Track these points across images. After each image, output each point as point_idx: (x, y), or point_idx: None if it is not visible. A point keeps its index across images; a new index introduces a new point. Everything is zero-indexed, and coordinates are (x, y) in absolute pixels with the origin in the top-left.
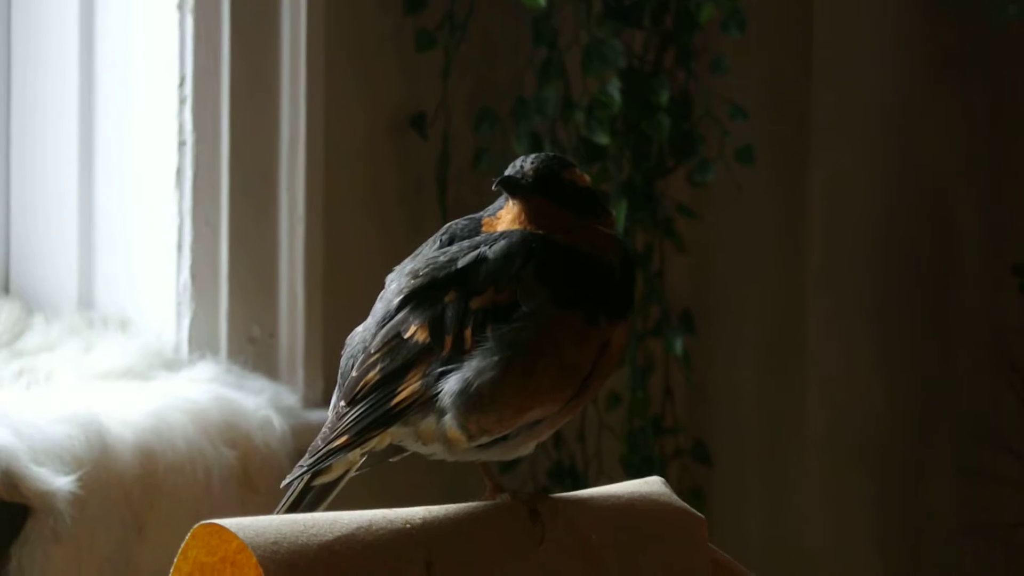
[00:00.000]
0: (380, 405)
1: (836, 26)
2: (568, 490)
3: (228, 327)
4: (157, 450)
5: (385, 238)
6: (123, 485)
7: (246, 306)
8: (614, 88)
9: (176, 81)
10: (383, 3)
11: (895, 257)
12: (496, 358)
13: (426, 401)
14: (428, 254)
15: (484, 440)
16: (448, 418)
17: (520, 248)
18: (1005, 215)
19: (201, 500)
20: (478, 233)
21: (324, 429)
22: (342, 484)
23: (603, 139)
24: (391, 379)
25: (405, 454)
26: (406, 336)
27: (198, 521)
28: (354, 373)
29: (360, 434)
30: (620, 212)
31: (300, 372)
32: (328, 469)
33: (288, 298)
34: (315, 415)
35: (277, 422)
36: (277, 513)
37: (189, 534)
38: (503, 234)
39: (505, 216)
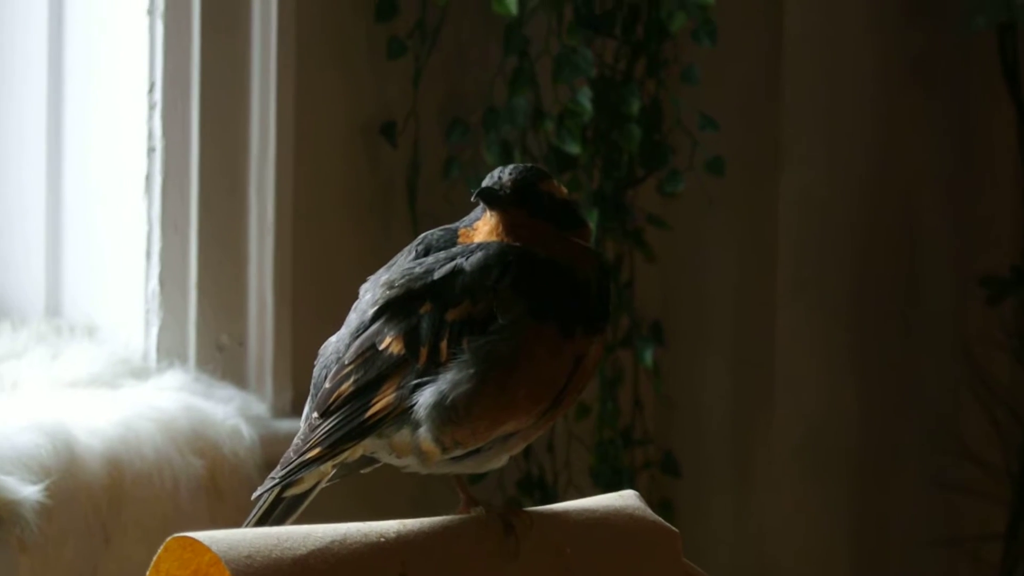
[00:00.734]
0: (354, 417)
1: (807, 37)
2: (537, 501)
3: (197, 335)
4: (125, 459)
5: (355, 246)
6: (90, 494)
7: (215, 314)
8: (585, 97)
9: (146, 87)
10: (354, 10)
11: (864, 268)
12: (472, 371)
13: (400, 413)
14: (404, 265)
15: (458, 453)
16: (422, 431)
17: (497, 260)
18: (973, 226)
19: (169, 510)
20: (454, 244)
21: (296, 440)
22: (313, 495)
23: (573, 148)
24: (365, 391)
25: (377, 465)
26: (381, 347)
27: (166, 530)
28: (327, 384)
29: (333, 446)
30: (591, 222)
31: (269, 381)
32: (300, 481)
33: (257, 306)
34: (284, 424)
35: (246, 431)
36: (248, 525)
37: (162, 547)
38: (480, 245)
39: (482, 227)
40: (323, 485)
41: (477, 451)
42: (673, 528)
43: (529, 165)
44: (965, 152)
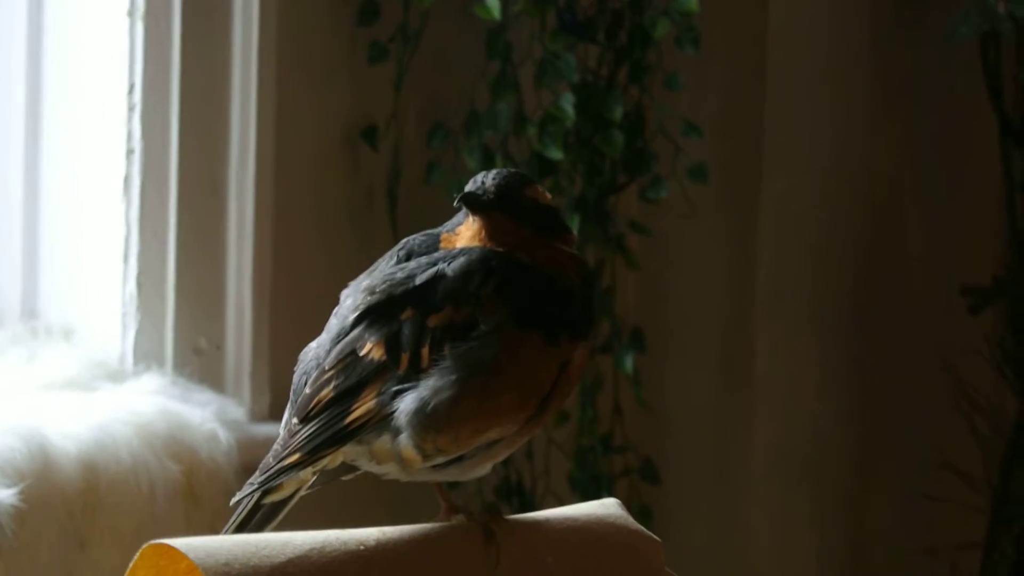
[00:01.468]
0: (334, 423)
1: (789, 45)
2: (516, 508)
3: (174, 338)
4: (100, 463)
5: (334, 250)
6: (65, 499)
7: (193, 317)
8: (567, 102)
9: (125, 88)
10: (336, 14)
11: (845, 276)
12: (453, 377)
13: (381, 420)
14: (385, 270)
15: (439, 460)
16: (403, 437)
17: (480, 265)
18: (953, 236)
19: (145, 514)
20: (436, 249)
21: (276, 446)
22: (292, 502)
23: (555, 154)
24: (345, 397)
25: (357, 473)
26: (361, 353)
27: (141, 535)
28: (307, 390)
29: (313, 452)
30: (572, 227)
31: (247, 385)
32: (279, 487)
33: (235, 310)
34: (262, 429)
35: (223, 436)
36: (226, 531)
37: (137, 554)
38: (462, 251)
39: (465, 232)
40: (303, 492)
41: (460, 459)
42: (656, 537)
43: (512, 170)
44: (947, 162)
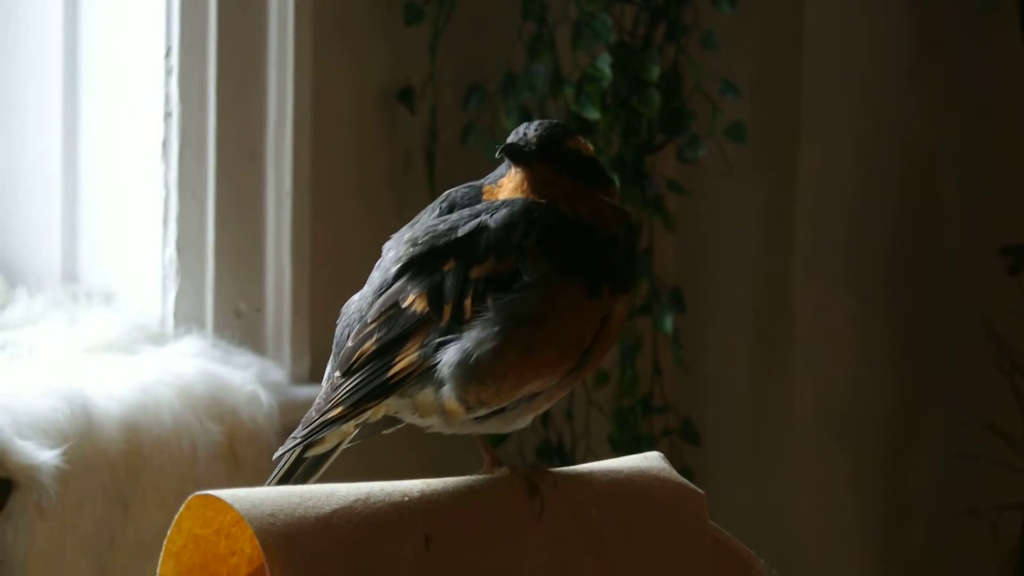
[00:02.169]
0: (376, 376)
1: (827, 4)
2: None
3: (214, 301)
4: (142, 425)
5: (372, 212)
6: (108, 460)
7: (232, 280)
8: (604, 63)
9: (162, 52)
10: None
11: (884, 237)
12: (496, 329)
13: (424, 372)
14: (427, 222)
15: (482, 412)
16: (446, 389)
17: (522, 217)
18: (991, 196)
19: (187, 475)
20: (479, 201)
21: (318, 400)
22: (335, 456)
23: (593, 114)
24: (388, 349)
25: (399, 426)
26: (404, 305)
27: (184, 496)
28: (350, 343)
29: (356, 405)
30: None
31: (287, 347)
32: (321, 441)
33: (275, 272)
34: (302, 391)
35: (264, 397)
36: (269, 484)
37: (184, 505)
38: (505, 202)
39: (507, 184)
40: (345, 446)
41: (501, 411)
42: (699, 490)
43: (555, 121)
44: (985, 122)
